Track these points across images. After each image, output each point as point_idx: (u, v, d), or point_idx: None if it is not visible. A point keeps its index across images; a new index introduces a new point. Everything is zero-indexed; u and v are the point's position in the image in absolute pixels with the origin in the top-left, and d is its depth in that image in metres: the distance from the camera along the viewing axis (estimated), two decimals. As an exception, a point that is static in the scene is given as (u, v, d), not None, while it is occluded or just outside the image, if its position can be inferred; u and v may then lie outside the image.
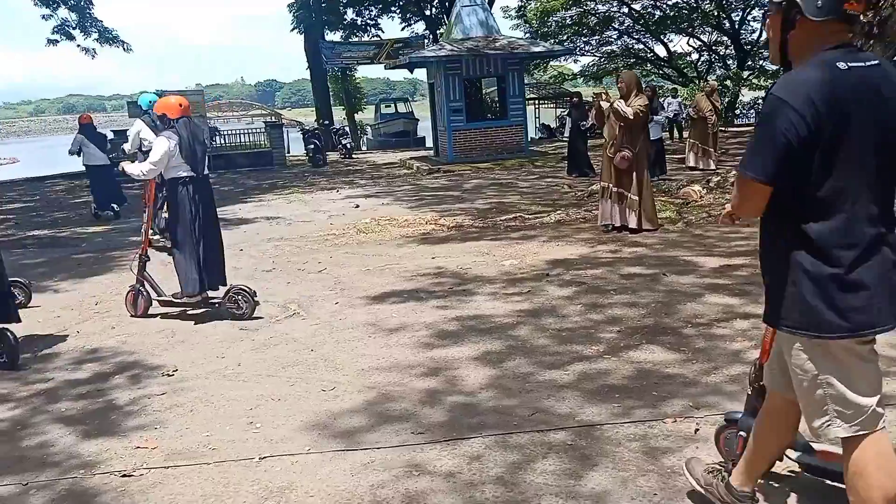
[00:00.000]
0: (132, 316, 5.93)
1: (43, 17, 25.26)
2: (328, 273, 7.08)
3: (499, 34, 18.68)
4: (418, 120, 30.00)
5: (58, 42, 25.80)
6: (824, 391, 2.10)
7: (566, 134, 14.95)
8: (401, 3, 27.43)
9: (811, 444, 2.70)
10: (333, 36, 27.73)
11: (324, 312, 5.75)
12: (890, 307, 2.03)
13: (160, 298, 6.01)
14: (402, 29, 28.46)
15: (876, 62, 2.03)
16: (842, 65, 1.95)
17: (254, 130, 22.25)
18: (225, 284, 6.00)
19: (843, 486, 2.23)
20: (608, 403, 3.71)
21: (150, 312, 5.98)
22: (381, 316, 5.56)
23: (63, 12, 25.00)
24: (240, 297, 5.74)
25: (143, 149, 8.90)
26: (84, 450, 3.60)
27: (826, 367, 2.09)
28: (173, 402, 4.14)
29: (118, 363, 4.85)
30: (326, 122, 24.15)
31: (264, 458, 3.37)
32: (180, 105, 5.79)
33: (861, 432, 2.10)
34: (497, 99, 19.01)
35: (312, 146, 20.22)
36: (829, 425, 2.12)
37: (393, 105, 30.72)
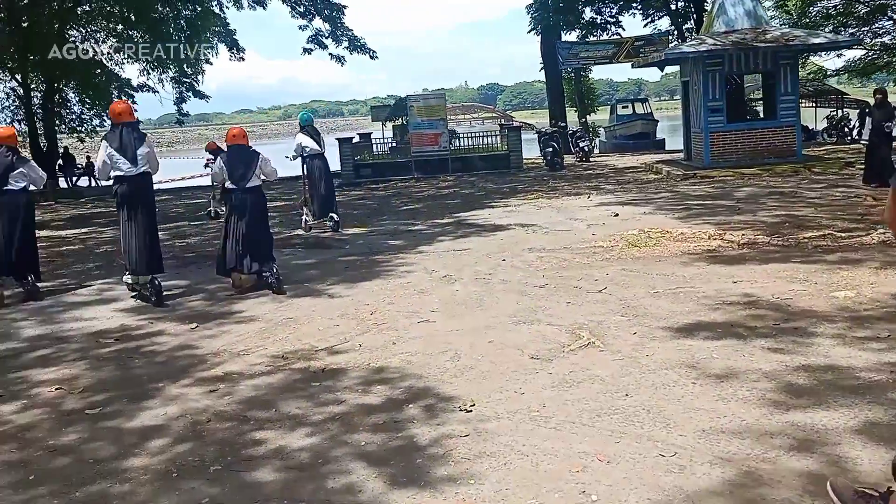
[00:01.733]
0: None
1: (300, 27, 27.42)
2: (610, 294, 6.24)
3: (768, 25, 16.63)
4: (657, 121, 28.22)
5: (312, 51, 27.90)
6: None
7: (865, 137, 12.75)
8: (643, -1, 25.98)
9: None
10: (569, 36, 26.97)
11: (623, 344, 4.92)
12: None
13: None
14: (645, 26, 26.93)
15: None
16: None
17: (490, 133, 22.13)
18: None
19: None
20: None
21: (427, 328, 5.56)
22: (698, 355, 4.60)
23: (318, 23, 26.95)
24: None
25: (304, 154, 10.95)
26: (396, 501, 3.10)
27: None
28: (481, 448, 3.53)
29: (408, 389, 4.40)
30: (562, 124, 23.43)
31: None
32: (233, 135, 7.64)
33: None
34: (762, 97, 16.96)
35: (551, 149, 19.57)
36: None
37: (630, 106, 29.24)
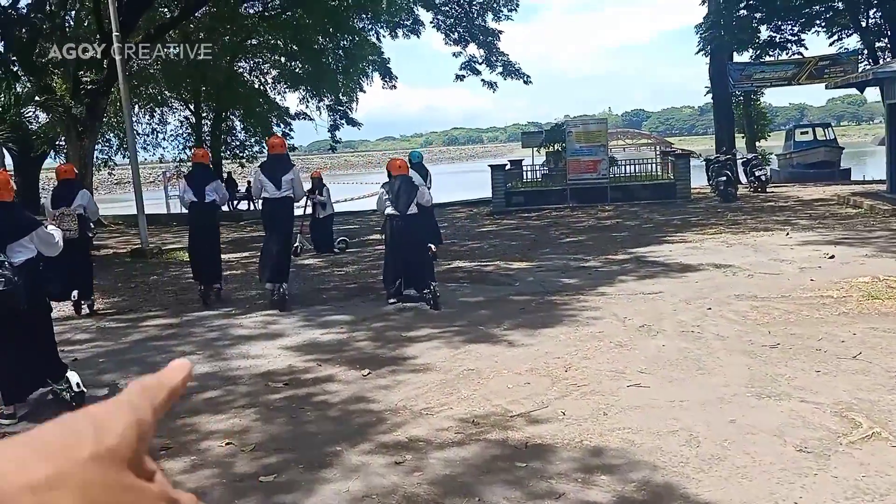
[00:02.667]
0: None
1: (453, 54, 27.34)
2: (869, 361, 4.98)
3: None
4: (843, 149, 25.41)
5: (464, 77, 27.74)
6: None
7: None
8: (828, 15, 23.47)
9: None
10: (741, 57, 24.97)
11: (925, 440, 3.70)
12: None
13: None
14: (830, 44, 24.39)
15: None
16: None
17: (652, 161, 20.72)
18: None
19: None
20: None
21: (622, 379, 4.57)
22: None
23: (471, 49, 26.74)
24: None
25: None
26: None
27: None
28: None
29: (643, 484, 3.44)
30: (734, 150, 21.55)
31: None
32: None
33: None
34: None
35: (724, 178, 17.89)
36: None
37: (811, 131, 26.55)
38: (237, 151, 28.86)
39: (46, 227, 5.47)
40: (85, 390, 5.25)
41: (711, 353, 5.46)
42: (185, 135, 29.21)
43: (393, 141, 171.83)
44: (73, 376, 5.25)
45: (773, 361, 5.11)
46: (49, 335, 5.38)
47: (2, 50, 21.78)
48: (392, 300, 7.95)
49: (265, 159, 7.79)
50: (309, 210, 12.89)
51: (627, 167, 20.53)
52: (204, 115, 28.45)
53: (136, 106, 27.66)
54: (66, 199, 7.98)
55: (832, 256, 8.98)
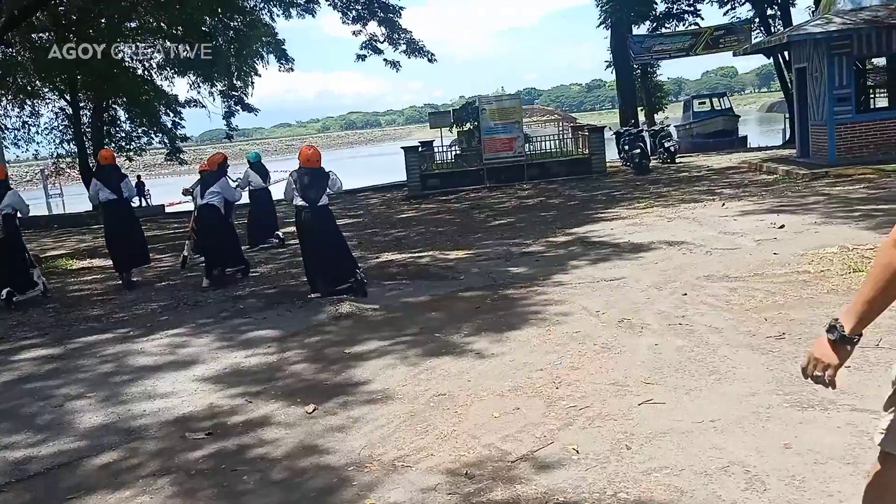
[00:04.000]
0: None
1: (353, 33, 25.95)
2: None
3: (902, -1, 14.45)
4: (739, 117, 25.94)
5: (366, 57, 26.43)
6: None
7: None
8: (721, -16, 23.77)
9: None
10: (640, 30, 24.95)
11: None
12: None
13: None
14: (725, 14, 24.71)
15: None
16: None
17: (565, 136, 20.24)
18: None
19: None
20: None
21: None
22: None
23: (372, 27, 25.44)
24: None
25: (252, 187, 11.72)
26: None
27: None
28: None
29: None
30: (640, 123, 21.43)
31: None
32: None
33: None
34: (888, 84, 14.79)
35: (638, 150, 17.62)
36: None
37: (708, 101, 26.97)
38: (122, 144, 26.35)
39: None
40: None
41: (713, 350, 4.72)
42: (61, 128, 26.39)
43: (289, 127, 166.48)
44: None
45: (789, 357, 4.41)
46: None
47: None
48: (315, 294, 7.40)
49: (300, 169, 7.48)
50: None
51: (543, 144, 19.98)
52: (82, 105, 25.79)
53: (3, 98, 24.74)
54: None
55: (782, 226, 8.56)
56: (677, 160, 20.21)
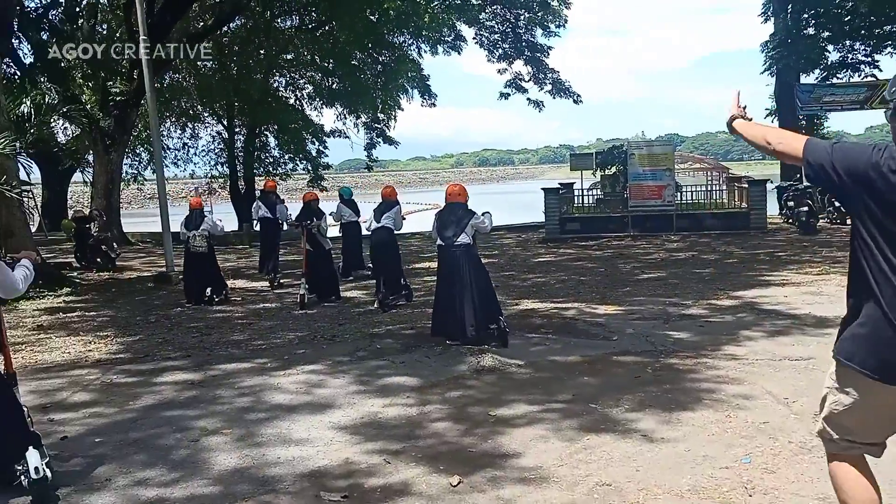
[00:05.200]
0: None
1: (499, 71, 25.96)
2: None
3: None
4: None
5: (509, 95, 26.34)
6: None
7: None
8: (904, 35, 21.71)
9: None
10: (808, 78, 23.22)
11: None
12: None
13: None
14: (907, 64, 22.61)
15: None
16: None
17: (720, 187, 18.99)
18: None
19: None
20: None
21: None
22: None
23: (518, 66, 25.34)
24: None
25: (344, 220, 12.17)
26: None
27: None
28: None
29: None
30: (803, 178, 19.75)
31: None
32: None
33: None
34: None
35: (806, 208, 16.12)
36: None
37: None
38: (270, 168, 27.60)
39: (15, 265, 4.06)
40: (49, 475, 3.83)
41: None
42: (216, 150, 28.08)
43: (423, 161, 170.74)
44: (31, 457, 3.82)
45: None
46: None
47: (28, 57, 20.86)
48: (454, 341, 7.04)
49: (443, 207, 7.38)
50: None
51: (694, 194, 18.82)
52: (237, 130, 27.33)
53: (168, 120, 26.63)
54: (195, 224, 10.27)
55: None
56: (848, 221, 18.39)
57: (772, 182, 19.26)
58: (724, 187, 19.41)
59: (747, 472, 3.91)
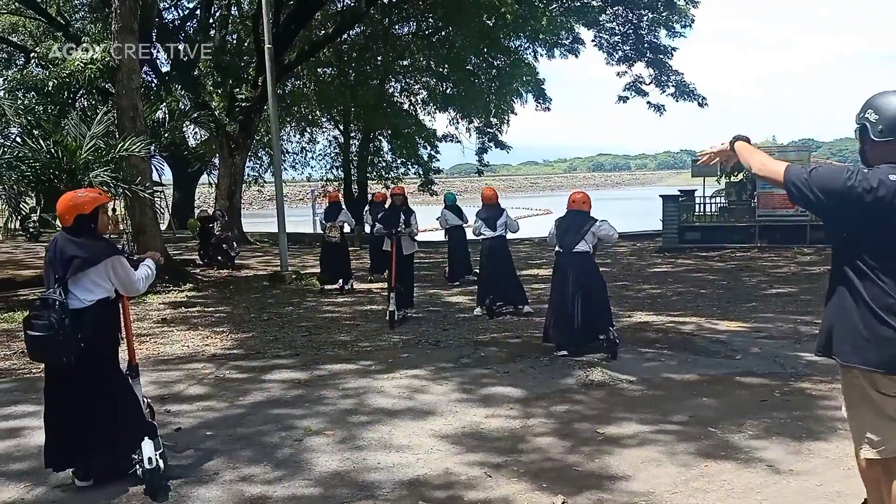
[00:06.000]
0: None
1: (618, 74, 25.24)
2: None
3: None
4: None
5: (627, 99, 25.56)
6: None
7: None
8: None
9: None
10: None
11: None
12: None
13: None
14: None
15: None
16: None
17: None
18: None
19: None
20: None
21: None
22: None
23: (639, 68, 24.53)
24: None
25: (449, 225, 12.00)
26: None
27: None
28: None
29: None
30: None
31: None
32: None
33: None
34: None
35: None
36: None
37: None
38: (382, 173, 28.18)
39: (139, 265, 4.22)
40: (161, 465, 3.94)
41: None
42: (332, 154, 28.98)
43: (535, 165, 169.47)
44: (146, 447, 3.94)
45: None
46: (114, 399, 4.11)
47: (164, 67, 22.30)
48: (561, 352, 6.83)
49: (565, 213, 7.17)
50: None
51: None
52: (352, 135, 28.08)
53: (288, 125, 27.74)
54: (333, 215, 11.72)
55: None
56: None
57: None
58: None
59: (893, 518, 3.45)
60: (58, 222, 4.19)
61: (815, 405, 5.15)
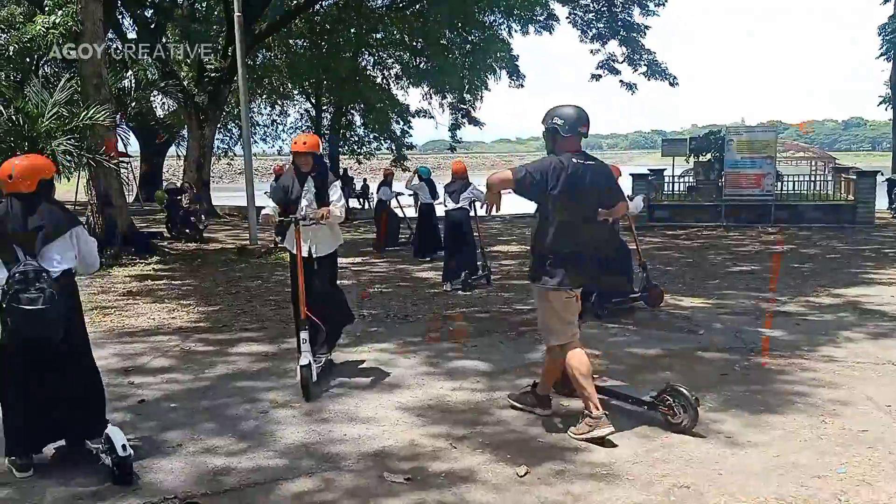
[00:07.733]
0: None
1: (591, 51, 25.18)
2: None
3: None
4: None
5: (601, 77, 25.54)
6: None
7: None
8: None
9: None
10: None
11: None
12: None
13: None
14: None
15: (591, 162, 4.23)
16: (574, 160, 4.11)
17: (825, 178, 17.86)
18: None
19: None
20: None
21: None
22: None
23: (612, 46, 24.51)
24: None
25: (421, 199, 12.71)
26: None
27: None
28: None
29: None
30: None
31: None
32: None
33: None
34: None
35: (919, 202, 14.96)
36: None
37: None
38: (355, 147, 27.96)
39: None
40: (131, 453, 3.80)
41: None
42: (304, 127, 28.63)
43: (509, 143, 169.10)
44: (116, 434, 3.80)
45: None
46: (84, 376, 4.02)
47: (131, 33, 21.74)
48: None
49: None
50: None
51: (795, 184, 17.78)
52: (324, 108, 27.76)
53: (258, 97, 27.31)
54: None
55: None
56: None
57: (882, 174, 17.96)
58: (830, 178, 18.24)
59: (841, 484, 3.57)
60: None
61: (774, 379, 5.27)
